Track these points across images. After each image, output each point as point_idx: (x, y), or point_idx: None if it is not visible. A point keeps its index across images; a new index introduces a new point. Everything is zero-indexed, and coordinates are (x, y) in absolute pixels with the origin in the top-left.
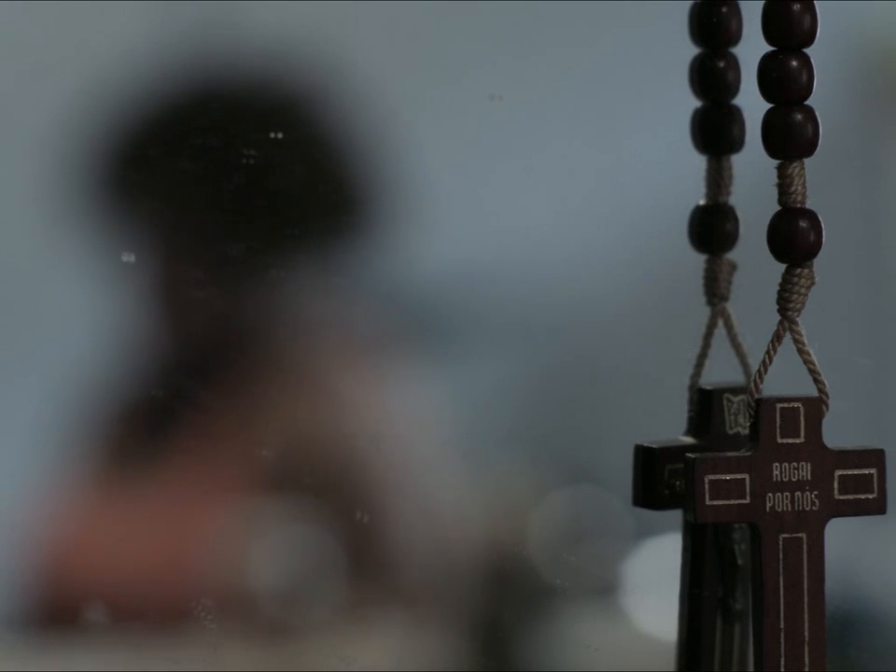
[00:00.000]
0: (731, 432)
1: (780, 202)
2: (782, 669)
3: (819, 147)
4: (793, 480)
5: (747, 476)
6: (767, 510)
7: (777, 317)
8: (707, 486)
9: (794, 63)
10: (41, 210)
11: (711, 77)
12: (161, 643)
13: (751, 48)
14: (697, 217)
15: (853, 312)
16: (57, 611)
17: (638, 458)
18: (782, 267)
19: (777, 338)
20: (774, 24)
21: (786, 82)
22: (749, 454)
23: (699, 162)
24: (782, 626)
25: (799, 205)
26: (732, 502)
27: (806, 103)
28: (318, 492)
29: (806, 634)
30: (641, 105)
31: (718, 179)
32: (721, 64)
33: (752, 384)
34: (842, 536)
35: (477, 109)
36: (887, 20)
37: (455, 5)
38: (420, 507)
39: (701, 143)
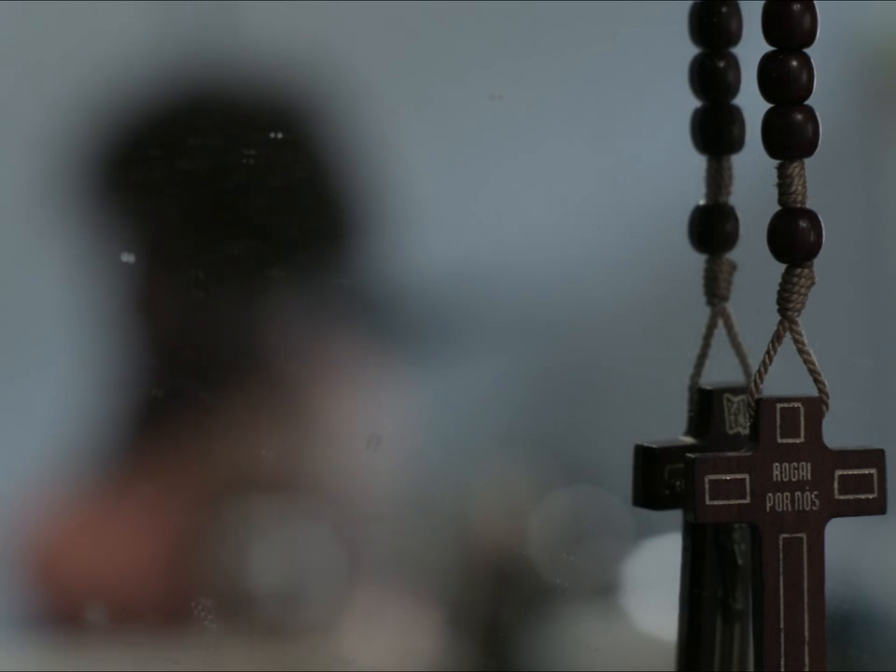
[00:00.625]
0: (731, 432)
1: (780, 202)
2: (782, 669)
3: (819, 147)
4: (793, 480)
5: (747, 476)
6: (767, 510)
7: (777, 317)
8: (707, 486)
9: (794, 63)
10: (41, 210)
11: (711, 77)
12: (161, 643)
13: (751, 48)
14: (697, 216)
15: (853, 312)
16: (57, 611)
17: (638, 458)
18: (782, 267)
19: (776, 338)
20: (774, 24)
21: (786, 82)
22: (750, 454)
23: (699, 162)
24: (782, 626)
25: (799, 205)
26: (732, 502)
27: (806, 103)
28: (318, 492)
29: (806, 634)
30: (641, 105)
31: (718, 179)
32: (721, 64)
33: (752, 384)
34: (842, 536)
35: (477, 109)
36: (887, 20)
37: (454, 5)
38: (419, 507)
39: (701, 143)
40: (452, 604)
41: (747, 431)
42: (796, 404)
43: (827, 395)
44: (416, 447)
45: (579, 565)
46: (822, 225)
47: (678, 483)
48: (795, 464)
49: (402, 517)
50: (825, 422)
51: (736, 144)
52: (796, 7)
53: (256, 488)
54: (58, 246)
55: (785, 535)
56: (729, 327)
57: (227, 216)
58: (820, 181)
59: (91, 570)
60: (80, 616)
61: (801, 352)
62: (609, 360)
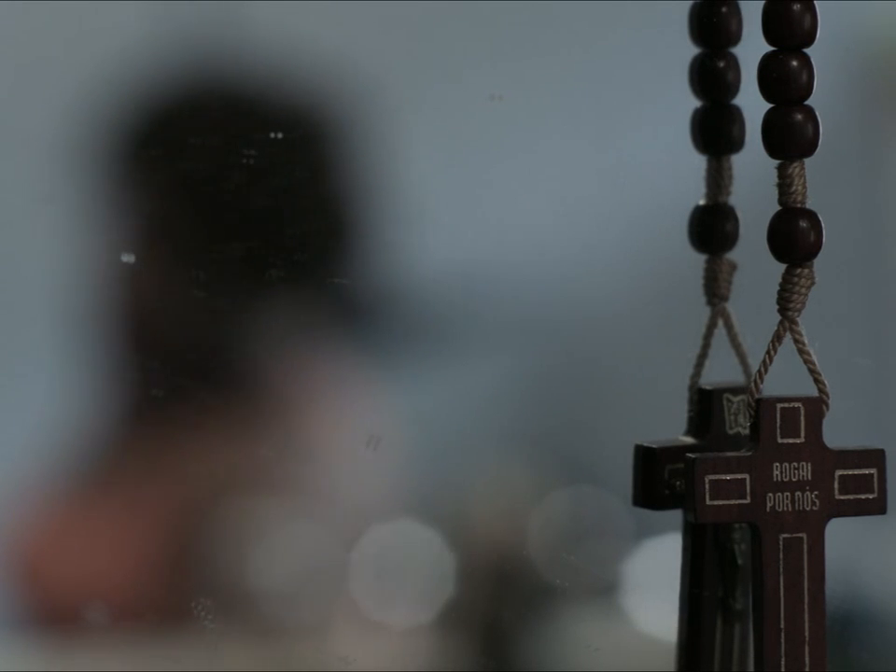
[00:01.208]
0: (731, 432)
1: (780, 202)
2: (782, 669)
3: (819, 147)
4: (794, 480)
5: (747, 476)
6: (767, 510)
7: (777, 317)
8: (707, 486)
9: (794, 63)
10: (41, 209)
11: (711, 77)
12: (161, 643)
13: (751, 48)
14: (697, 216)
15: (853, 312)
16: (57, 611)
17: (638, 458)
18: (782, 267)
19: (776, 338)
20: (774, 24)
21: (786, 82)
22: (750, 454)
23: (699, 162)
24: (782, 626)
25: (799, 205)
26: (732, 502)
27: (806, 103)
28: (318, 492)
29: (806, 634)
30: (641, 105)
31: (718, 179)
32: (721, 64)
33: (752, 384)
34: (842, 536)
35: (477, 109)
36: (887, 20)
37: (454, 5)
38: (419, 507)
39: (701, 143)
40: (452, 604)
41: (747, 431)
42: (796, 404)
43: (827, 395)
44: (416, 447)
45: (579, 565)
46: (822, 225)
47: (678, 483)
48: (795, 464)
49: (402, 517)
50: (825, 422)
51: (736, 144)
52: (796, 6)
53: (255, 488)
54: (57, 246)
55: (785, 535)
56: (729, 327)
57: (227, 216)
58: (820, 181)
59: (91, 570)
60: (80, 616)
61: (801, 352)
62: (608, 360)
